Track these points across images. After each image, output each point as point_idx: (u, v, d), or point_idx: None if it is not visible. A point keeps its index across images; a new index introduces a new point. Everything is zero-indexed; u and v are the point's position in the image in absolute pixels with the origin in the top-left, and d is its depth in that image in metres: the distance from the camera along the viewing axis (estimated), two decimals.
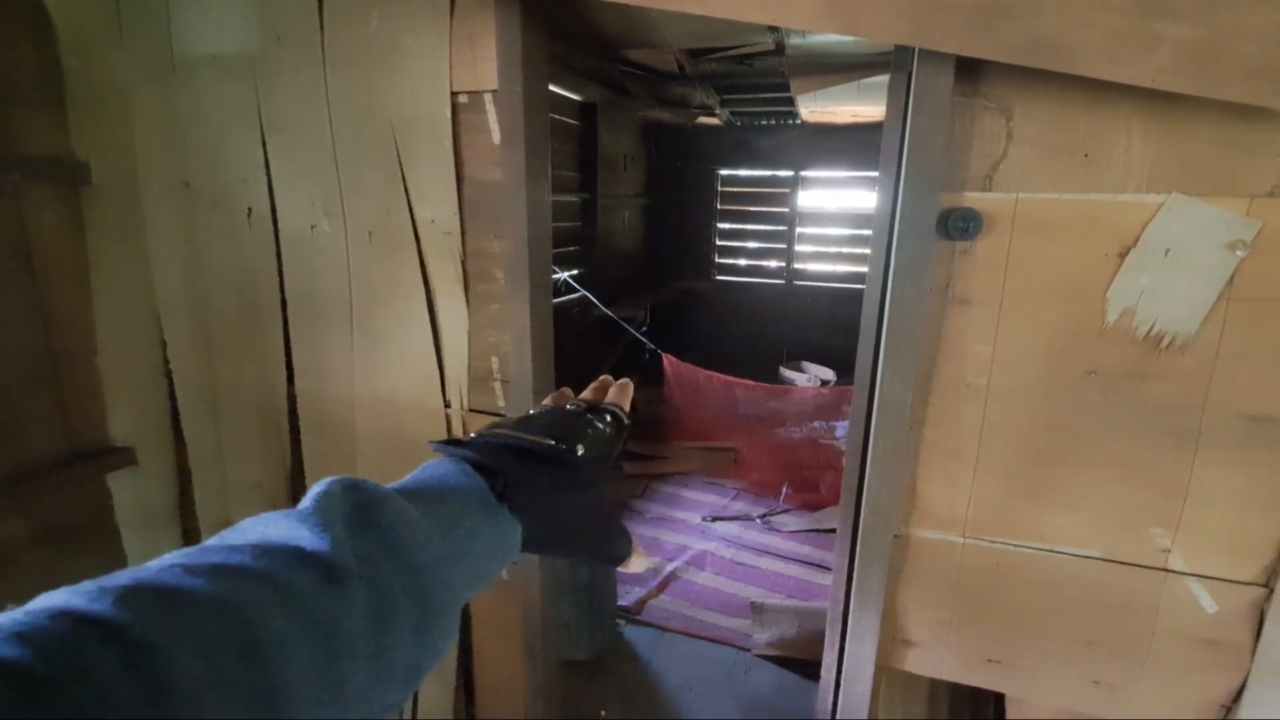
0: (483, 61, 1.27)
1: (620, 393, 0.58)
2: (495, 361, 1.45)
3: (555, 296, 4.13)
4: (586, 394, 0.59)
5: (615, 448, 0.53)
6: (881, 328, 1.20)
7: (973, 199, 1.07)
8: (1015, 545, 1.20)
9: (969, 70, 1.03)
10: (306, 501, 0.35)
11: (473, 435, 0.49)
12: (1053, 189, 1.05)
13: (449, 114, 1.32)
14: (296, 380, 1.64)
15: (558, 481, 0.47)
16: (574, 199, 4.57)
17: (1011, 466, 1.17)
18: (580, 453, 0.48)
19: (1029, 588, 1.21)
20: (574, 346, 4.37)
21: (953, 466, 1.19)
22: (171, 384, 1.79)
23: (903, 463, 1.19)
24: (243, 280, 1.62)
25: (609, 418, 0.54)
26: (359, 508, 0.35)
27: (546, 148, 1.35)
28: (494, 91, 1.28)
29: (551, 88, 3.95)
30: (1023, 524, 1.19)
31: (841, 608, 1.45)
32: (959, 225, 1.06)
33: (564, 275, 4.10)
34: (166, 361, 1.77)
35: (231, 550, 0.30)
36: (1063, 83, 1.00)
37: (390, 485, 0.41)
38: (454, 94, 1.31)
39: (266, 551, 0.31)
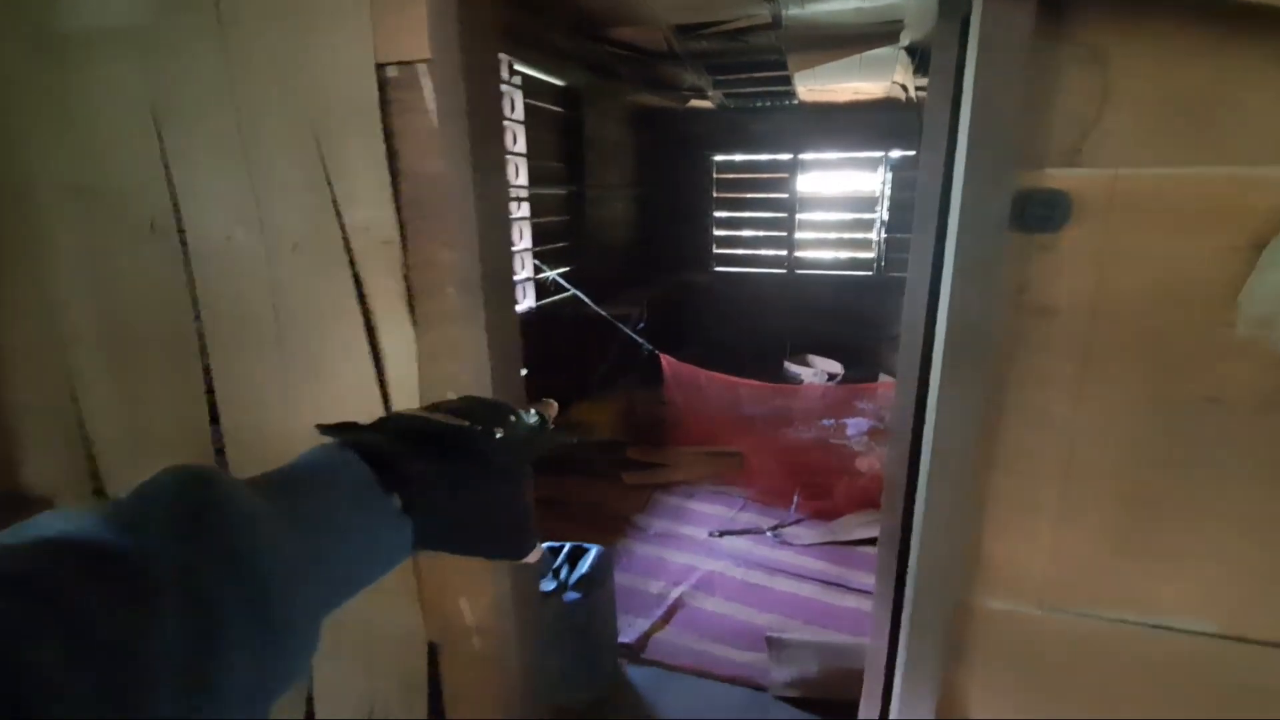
0: (413, 23, 1.00)
1: (542, 406, 0.54)
2: (452, 395, 1.19)
3: (544, 297, 3.91)
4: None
5: (535, 445, 0.50)
6: (932, 346, 0.94)
7: (1056, 177, 0.81)
8: (1108, 618, 0.95)
9: (1049, 6, 0.76)
10: (126, 498, 0.30)
11: (380, 418, 0.44)
12: (1163, 161, 0.79)
13: (375, 92, 1.06)
14: (222, 417, 1.39)
15: (465, 471, 0.42)
16: (560, 191, 4.29)
17: (1104, 520, 0.91)
18: (497, 435, 0.44)
19: (1126, 670, 0.96)
20: (568, 349, 4.12)
21: (1029, 520, 0.94)
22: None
23: (965, 516, 0.94)
24: (154, 303, 1.36)
25: (533, 413, 0.51)
26: (189, 505, 0.31)
27: (498, 129, 1.08)
28: (428, 61, 1.01)
29: (532, 72, 3.68)
30: (1118, 590, 0.94)
31: (881, 684, 1.20)
32: (1040, 213, 0.80)
33: (552, 274, 3.83)
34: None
35: (3, 555, 0.25)
36: (1178, 17, 0.74)
37: (255, 475, 0.36)
38: (380, 66, 1.05)
39: (52, 561, 0.25)
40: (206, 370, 1.36)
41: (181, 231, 1.28)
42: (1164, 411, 0.85)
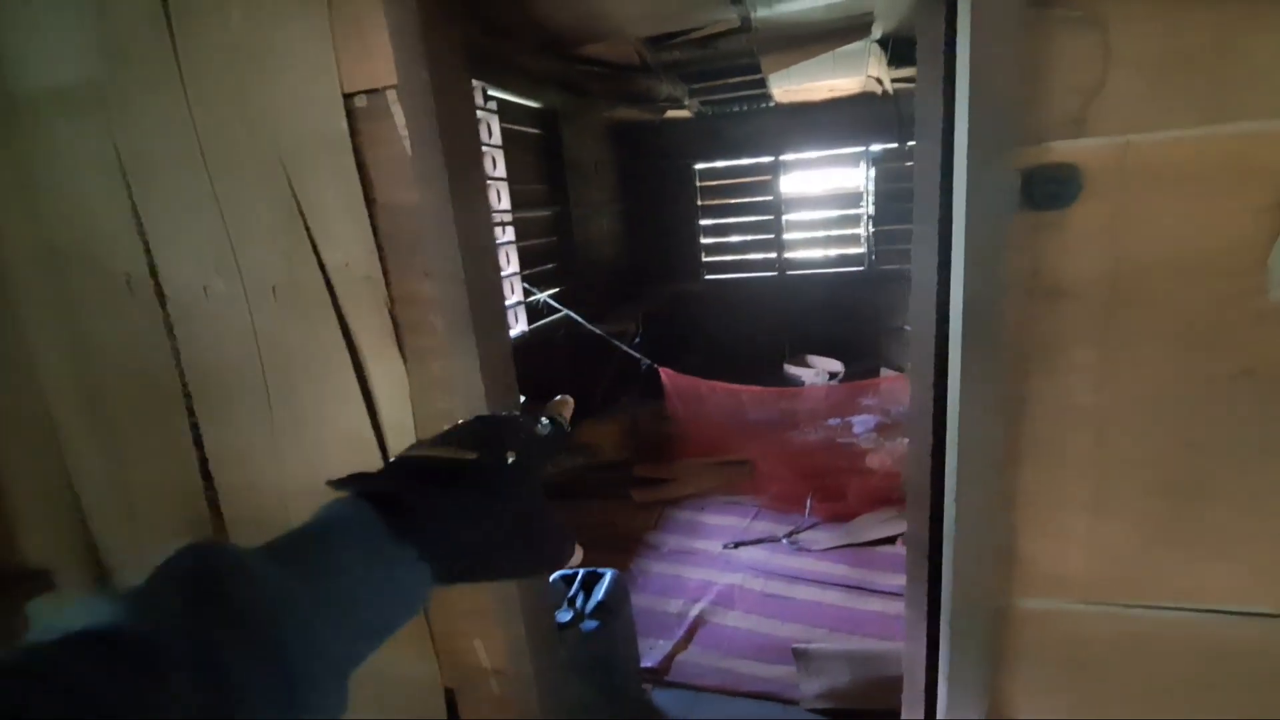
0: (377, 50, 0.97)
1: (557, 406, 0.55)
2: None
3: (537, 319, 3.87)
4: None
5: (552, 451, 0.50)
6: (945, 339, 0.90)
7: (1062, 150, 0.77)
8: (1154, 608, 0.90)
9: None
10: (143, 582, 0.31)
11: (389, 462, 0.44)
12: (1175, 124, 0.75)
13: (345, 124, 1.02)
14: (214, 474, 1.34)
15: (478, 499, 0.42)
16: (545, 213, 4.26)
17: (1141, 507, 0.86)
18: (510, 460, 0.44)
19: (1179, 659, 0.91)
20: (565, 370, 4.08)
21: (1063, 514, 0.89)
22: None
23: (999, 514, 0.89)
24: (134, 360, 1.31)
25: (546, 420, 0.51)
26: (200, 578, 0.32)
27: (476, 152, 1.05)
28: (396, 87, 0.98)
29: (507, 96, 3.66)
30: (1164, 580, 0.89)
31: (923, 690, 1.14)
32: (1049, 189, 0.76)
33: (543, 296, 3.79)
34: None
35: (33, 654, 0.26)
36: None
37: (271, 539, 0.37)
38: (348, 97, 1.01)
39: (74, 656, 0.26)
40: (195, 426, 1.31)
41: (158, 286, 1.24)
42: (1195, 390, 0.81)
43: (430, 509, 0.40)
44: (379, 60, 0.97)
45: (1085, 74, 0.75)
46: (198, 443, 1.32)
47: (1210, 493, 0.84)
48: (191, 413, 1.31)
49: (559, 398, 0.57)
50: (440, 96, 0.94)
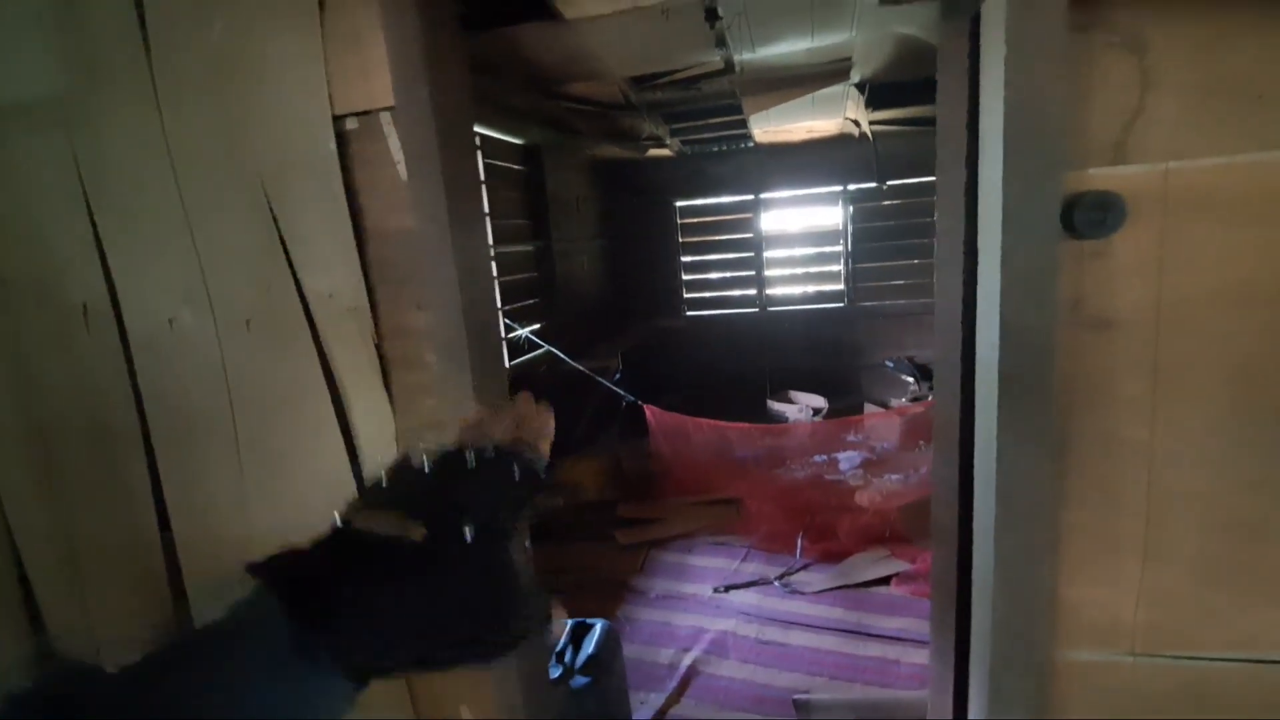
0: (373, 68, 0.91)
1: (529, 427, 0.46)
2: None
3: (517, 355, 3.78)
4: (496, 429, 0.45)
5: (524, 505, 0.42)
6: (973, 373, 0.85)
7: (1102, 177, 0.74)
8: (1214, 659, 0.84)
9: None
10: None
11: (323, 535, 0.38)
12: (1218, 150, 0.72)
13: (334, 146, 0.95)
14: (173, 524, 1.21)
15: (423, 584, 0.36)
16: (527, 248, 4.22)
17: (1198, 549, 0.81)
18: (467, 533, 0.37)
19: (1235, 715, 0.85)
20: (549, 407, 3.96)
21: (1111, 558, 0.83)
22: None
23: (1044, 560, 0.82)
24: (87, 399, 1.20)
25: (515, 467, 0.42)
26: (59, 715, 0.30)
27: (475, 179, 0.99)
28: (392, 109, 0.91)
29: (490, 131, 3.64)
30: (1222, 628, 0.83)
31: None
32: (1092, 217, 0.72)
33: (524, 332, 3.72)
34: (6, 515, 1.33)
35: None
36: None
37: (166, 638, 0.34)
38: (338, 118, 0.95)
39: None
40: (154, 472, 1.20)
41: (119, 317, 1.14)
42: (1251, 424, 0.77)
43: (357, 603, 0.35)
44: (374, 81, 0.91)
45: (1124, 98, 0.72)
46: (156, 490, 1.21)
47: (1268, 533, 0.79)
48: (150, 457, 1.19)
49: (537, 408, 0.49)
50: (442, 117, 0.88)
